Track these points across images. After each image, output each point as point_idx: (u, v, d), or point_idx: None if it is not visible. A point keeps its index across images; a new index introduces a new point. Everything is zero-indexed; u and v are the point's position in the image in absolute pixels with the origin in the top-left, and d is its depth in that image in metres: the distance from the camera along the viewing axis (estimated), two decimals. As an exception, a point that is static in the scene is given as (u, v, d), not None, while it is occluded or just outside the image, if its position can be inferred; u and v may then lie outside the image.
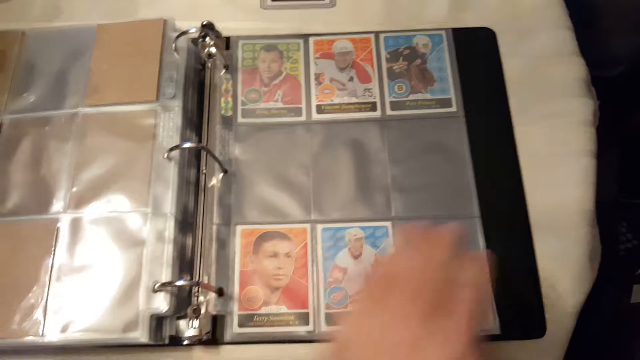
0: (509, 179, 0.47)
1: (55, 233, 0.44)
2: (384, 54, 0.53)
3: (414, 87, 0.51)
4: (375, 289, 0.33)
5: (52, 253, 0.43)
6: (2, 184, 0.46)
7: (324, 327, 0.43)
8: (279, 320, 0.43)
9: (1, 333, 0.41)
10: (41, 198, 0.45)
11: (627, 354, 0.66)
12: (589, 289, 0.45)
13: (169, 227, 0.44)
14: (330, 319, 0.43)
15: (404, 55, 0.53)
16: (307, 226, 0.46)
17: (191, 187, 0.48)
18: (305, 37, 0.54)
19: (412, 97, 0.51)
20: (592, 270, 0.46)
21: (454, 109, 0.50)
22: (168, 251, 0.43)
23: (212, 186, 0.48)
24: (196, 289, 0.43)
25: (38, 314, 0.42)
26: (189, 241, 0.46)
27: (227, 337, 0.43)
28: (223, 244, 0.46)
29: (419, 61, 0.52)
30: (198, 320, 0.43)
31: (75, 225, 0.44)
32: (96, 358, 0.43)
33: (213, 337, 0.43)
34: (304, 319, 0.43)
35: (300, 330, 0.43)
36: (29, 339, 0.41)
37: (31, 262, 0.43)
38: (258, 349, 0.43)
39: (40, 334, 0.41)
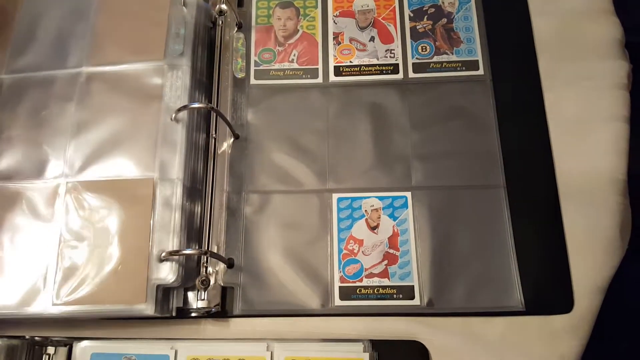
0: (537, 146, 0.45)
1: (56, 198, 0.42)
2: (407, 12, 0.50)
3: (438, 48, 0.48)
4: None
5: (54, 220, 0.41)
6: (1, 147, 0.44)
7: (337, 301, 0.41)
8: (292, 292, 0.42)
9: (6, 304, 0.40)
10: (42, 161, 0.43)
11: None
12: (618, 262, 0.43)
13: (177, 193, 0.42)
14: (344, 292, 0.42)
15: (428, 14, 0.50)
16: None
17: (200, 152, 0.45)
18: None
19: (436, 58, 0.48)
20: (623, 244, 0.43)
21: (480, 72, 0.47)
22: (175, 219, 0.41)
23: (223, 152, 0.45)
24: (205, 259, 0.42)
25: (42, 284, 0.40)
26: (198, 209, 0.44)
27: (237, 309, 0.41)
28: (233, 213, 0.44)
29: (444, 20, 0.49)
30: (207, 291, 0.41)
31: (78, 190, 0.42)
32: (101, 331, 0.42)
33: (222, 309, 0.42)
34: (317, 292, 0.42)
35: (313, 303, 0.41)
36: (34, 310, 0.40)
37: (33, 230, 0.41)
38: (269, 322, 0.42)
39: (45, 305, 0.40)
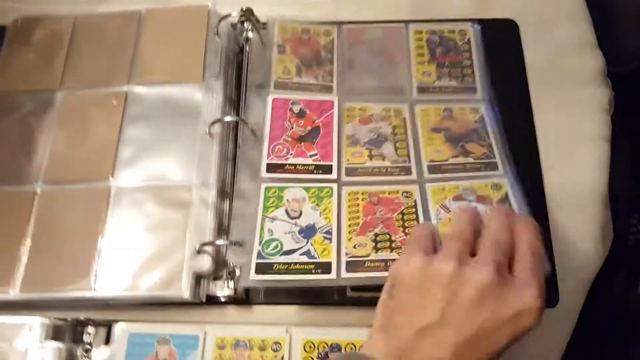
0: (528, 161, 0.50)
1: (107, 199, 0.48)
2: (412, 42, 0.55)
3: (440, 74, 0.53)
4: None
5: (105, 216, 0.47)
6: (58, 156, 0.50)
7: (344, 274, 0.42)
8: (298, 269, 0.43)
9: (51, 287, 0.45)
10: (95, 166, 0.50)
11: (635, 342, 0.68)
12: (600, 264, 0.47)
13: (211, 196, 0.47)
14: (351, 265, 0.43)
15: (432, 45, 0.55)
16: (334, 185, 0.47)
17: (229, 159, 0.51)
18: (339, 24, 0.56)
19: (437, 83, 0.53)
20: (604, 248, 0.48)
21: (478, 96, 0.52)
22: (210, 216, 0.46)
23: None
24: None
25: (88, 269, 0.45)
26: (226, 208, 0.49)
27: (259, 297, 0.46)
28: (247, 200, 0.47)
29: (445, 50, 0.54)
30: (233, 281, 0.46)
31: (124, 191, 0.48)
32: (137, 314, 0.46)
33: (246, 297, 0.46)
34: (325, 267, 0.43)
35: (321, 278, 0.42)
36: (79, 293, 0.45)
37: (83, 223, 0.47)
38: (286, 309, 0.46)
39: (90, 289, 0.45)
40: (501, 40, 0.55)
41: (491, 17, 0.56)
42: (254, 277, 0.43)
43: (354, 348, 0.44)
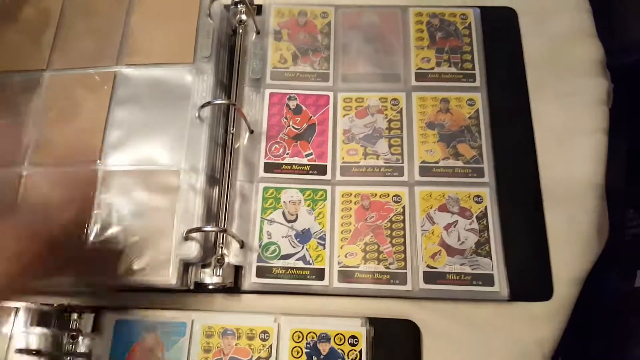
0: (524, 151, 0.49)
1: (95, 182, 0.47)
2: (412, 25, 0.54)
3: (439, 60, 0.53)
4: None
5: (92, 199, 0.46)
6: (44, 137, 0.49)
7: (336, 284, 0.45)
8: (295, 274, 0.46)
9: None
10: (82, 148, 0.48)
11: (630, 335, 0.68)
12: (594, 258, 0.47)
13: (200, 181, 0.46)
14: (342, 275, 0.46)
15: (431, 29, 0.54)
16: (328, 188, 0.49)
17: (219, 144, 0.50)
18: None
19: (436, 69, 0.52)
20: (599, 242, 0.48)
21: (477, 83, 0.52)
22: (197, 203, 0.45)
23: (239, 146, 0.50)
24: (221, 239, 0.46)
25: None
26: (216, 195, 0.48)
27: (246, 286, 0.45)
28: (246, 200, 0.48)
29: (446, 35, 0.54)
30: (222, 269, 0.45)
31: (112, 175, 0.47)
32: (124, 301, 0.46)
33: (235, 285, 0.46)
34: (319, 274, 0.46)
35: (316, 284, 0.45)
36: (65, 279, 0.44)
37: (70, 207, 0.46)
38: (276, 299, 0.46)
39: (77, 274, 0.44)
40: (499, 29, 0.54)
41: (490, 5, 0.55)
42: (254, 280, 0.45)
43: (342, 338, 0.43)
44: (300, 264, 0.46)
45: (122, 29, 0.52)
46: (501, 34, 0.54)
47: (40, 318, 0.44)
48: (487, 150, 0.49)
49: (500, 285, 0.45)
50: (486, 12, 0.55)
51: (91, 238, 0.45)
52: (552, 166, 0.49)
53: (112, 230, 0.45)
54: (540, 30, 0.54)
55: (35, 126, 0.49)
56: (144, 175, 0.47)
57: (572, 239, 0.47)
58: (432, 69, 0.52)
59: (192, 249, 0.44)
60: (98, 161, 0.47)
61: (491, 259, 0.45)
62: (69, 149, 0.48)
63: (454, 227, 0.47)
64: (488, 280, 0.45)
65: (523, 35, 0.54)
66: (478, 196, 0.47)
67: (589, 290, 0.47)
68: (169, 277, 0.43)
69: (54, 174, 0.47)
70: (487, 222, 0.47)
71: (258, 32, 0.54)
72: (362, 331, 0.43)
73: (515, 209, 0.47)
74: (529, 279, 0.45)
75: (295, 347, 0.43)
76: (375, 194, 0.48)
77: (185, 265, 0.45)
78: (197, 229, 0.44)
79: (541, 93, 0.52)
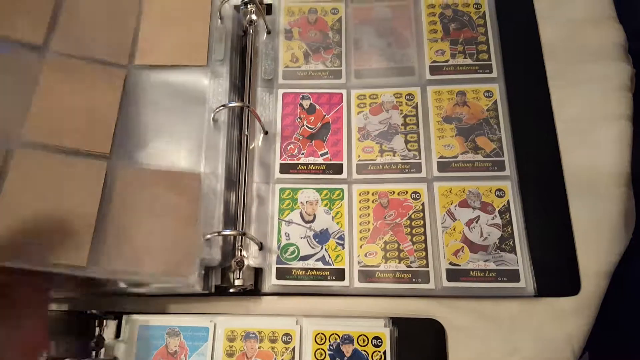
0: (545, 142, 0.48)
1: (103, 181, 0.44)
2: (425, 17, 0.53)
3: (453, 52, 0.52)
4: None
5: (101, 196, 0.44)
6: (53, 117, 0.45)
7: (357, 284, 0.45)
8: (315, 275, 0.45)
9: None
10: (93, 141, 0.45)
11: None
12: (622, 250, 0.45)
13: (220, 185, 0.46)
14: (363, 275, 0.45)
15: (444, 20, 0.53)
16: (345, 187, 0.48)
17: (234, 147, 0.49)
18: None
19: (451, 62, 0.51)
20: (627, 232, 0.46)
21: (494, 74, 0.51)
22: (218, 206, 0.45)
23: (254, 147, 0.50)
24: (240, 242, 0.46)
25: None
26: (233, 198, 0.48)
27: (266, 288, 0.45)
28: (263, 201, 0.48)
29: (460, 26, 0.53)
30: (242, 271, 0.45)
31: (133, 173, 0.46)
32: (146, 306, 0.46)
33: (255, 288, 0.45)
34: (339, 274, 0.45)
35: (336, 285, 0.45)
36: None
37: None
38: (297, 300, 0.45)
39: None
40: (514, 16, 0.53)
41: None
42: (275, 282, 0.45)
43: (366, 339, 0.42)
44: (320, 265, 0.45)
45: (132, 29, 0.51)
46: (517, 22, 0.53)
47: (64, 326, 0.44)
48: (507, 143, 0.48)
49: (526, 281, 0.44)
50: (500, 0, 0.53)
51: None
52: (575, 156, 0.47)
53: (130, 232, 0.44)
54: (557, 15, 0.53)
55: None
56: (164, 177, 0.46)
57: (598, 231, 0.45)
58: (447, 61, 0.51)
59: (213, 253, 0.44)
60: (108, 157, 0.45)
61: (516, 254, 0.44)
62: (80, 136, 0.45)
63: (476, 222, 0.46)
64: (513, 276, 0.44)
65: (539, 22, 0.52)
66: (500, 190, 0.46)
67: (617, 282, 0.45)
68: (192, 281, 0.42)
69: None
70: (510, 216, 0.45)
71: (269, 32, 0.53)
72: (385, 332, 0.43)
73: (539, 201, 0.46)
74: (556, 273, 0.44)
75: (318, 349, 0.43)
76: (393, 192, 0.47)
77: (206, 269, 0.44)
78: (217, 233, 0.43)
79: (561, 81, 0.50)
